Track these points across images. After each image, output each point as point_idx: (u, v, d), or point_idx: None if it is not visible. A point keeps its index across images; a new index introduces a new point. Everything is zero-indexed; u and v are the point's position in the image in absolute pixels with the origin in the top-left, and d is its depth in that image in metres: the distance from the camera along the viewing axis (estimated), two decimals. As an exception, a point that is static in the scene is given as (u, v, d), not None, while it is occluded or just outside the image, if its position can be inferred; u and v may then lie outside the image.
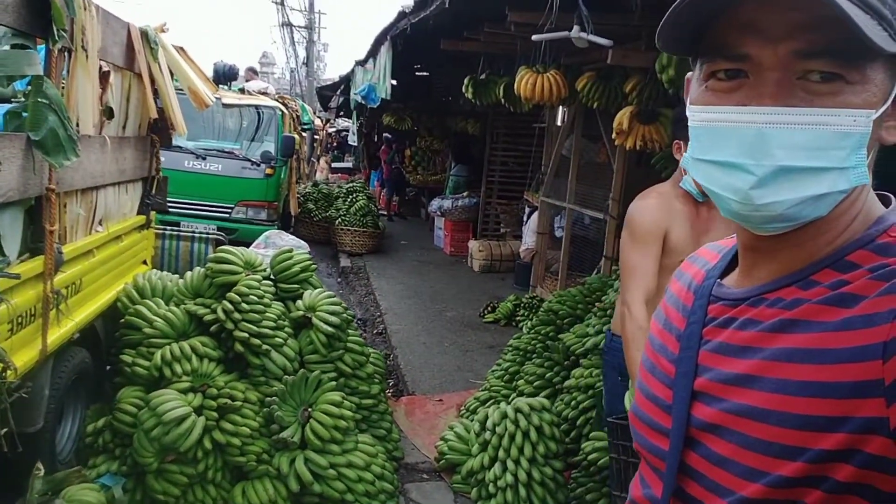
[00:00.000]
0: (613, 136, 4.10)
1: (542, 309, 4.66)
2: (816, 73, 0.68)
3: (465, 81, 6.16)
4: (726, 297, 0.82)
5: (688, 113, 0.79)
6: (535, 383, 3.91)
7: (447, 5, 3.97)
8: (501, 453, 3.17)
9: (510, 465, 3.13)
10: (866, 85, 0.69)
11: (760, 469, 0.71)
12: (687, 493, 0.81)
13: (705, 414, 0.78)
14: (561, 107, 6.36)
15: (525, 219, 8.00)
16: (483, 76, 6.09)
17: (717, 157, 0.74)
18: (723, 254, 0.91)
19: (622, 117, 3.96)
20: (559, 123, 6.76)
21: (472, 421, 3.71)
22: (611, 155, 5.45)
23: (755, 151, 0.70)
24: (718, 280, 0.87)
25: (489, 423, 3.28)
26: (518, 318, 6.21)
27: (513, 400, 3.51)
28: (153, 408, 2.97)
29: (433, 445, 3.84)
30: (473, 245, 8.77)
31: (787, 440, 0.69)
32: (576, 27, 3.52)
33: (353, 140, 13.74)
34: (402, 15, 6.11)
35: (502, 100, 5.76)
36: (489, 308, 6.56)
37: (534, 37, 3.86)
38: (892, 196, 0.79)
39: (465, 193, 10.04)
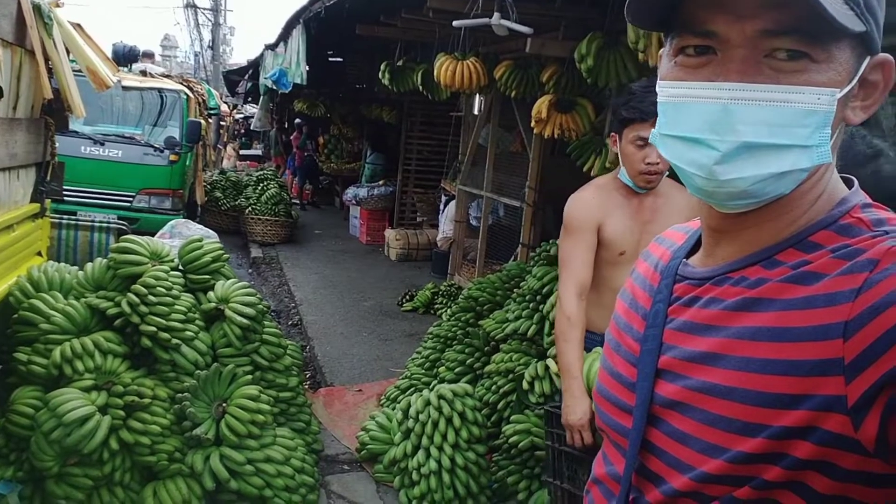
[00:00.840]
0: (532, 124, 4.14)
1: (461, 296, 4.67)
2: (783, 51, 0.69)
3: (382, 67, 6.08)
4: (691, 277, 0.83)
5: (657, 88, 0.79)
6: (457, 369, 3.92)
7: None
8: (425, 440, 3.15)
9: (434, 451, 3.12)
10: (831, 64, 0.69)
11: (721, 445, 0.72)
12: (648, 468, 0.82)
13: (668, 391, 0.79)
14: (478, 96, 6.38)
15: (442, 207, 8.00)
16: (400, 63, 6.02)
17: (682, 133, 0.74)
18: (689, 234, 0.92)
19: (541, 105, 4.00)
20: (476, 112, 6.79)
21: (393, 410, 3.67)
22: (527, 144, 5.51)
23: (719, 127, 0.71)
24: (684, 260, 0.87)
25: (412, 411, 3.26)
26: (436, 306, 6.21)
27: (434, 387, 3.50)
28: (53, 408, 2.77)
29: (354, 436, 3.78)
30: (390, 234, 8.71)
31: (749, 417, 0.70)
32: (496, 14, 3.52)
33: (256, 125, 13.34)
34: (315, -3, 5.95)
35: (420, 87, 5.71)
36: (407, 296, 6.53)
37: (455, 22, 3.84)
38: (853, 178, 0.80)
39: (381, 182, 9.94)
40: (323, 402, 4.29)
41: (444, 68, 4.45)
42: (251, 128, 14.65)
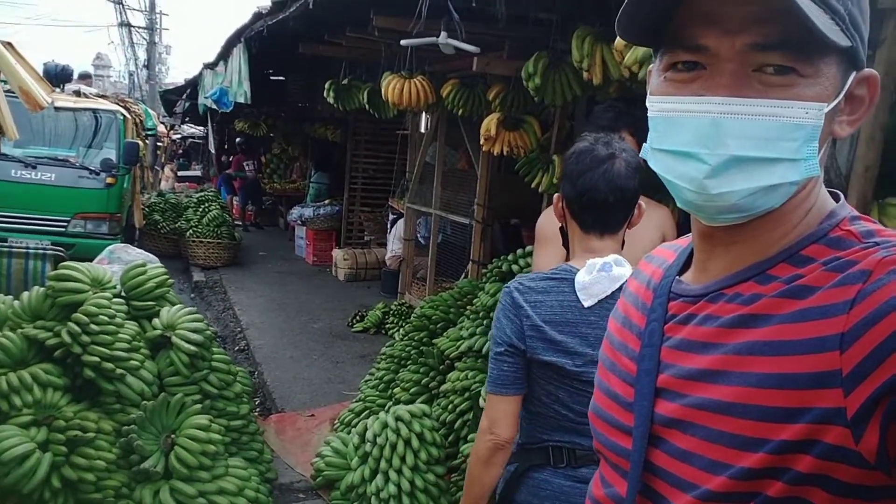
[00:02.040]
0: (481, 142, 4.18)
1: (414, 315, 4.64)
2: (771, 66, 0.70)
3: (327, 86, 6.04)
4: (686, 294, 0.83)
5: (647, 103, 0.79)
6: (412, 390, 3.88)
7: (311, 6, 3.85)
8: (383, 464, 3.10)
9: (392, 475, 3.07)
10: (819, 78, 0.70)
11: (724, 462, 0.72)
12: (652, 489, 0.81)
13: (668, 410, 0.79)
14: (424, 114, 6.40)
15: (389, 226, 7.97)
16: (345, 81, 6.00)
17: (672, 147, 0.75)
18: (679, 252, 0.91)
19: (489, 124, 4.04)
20: (422, 130, 6.81)
21: (348, 434, 3.60)
22: (475, 161, 5.55)
23: (709, 141, 0.71)
24: (677, 277, 0.87)
25: (369, 434, 3.20)
26: (388, 326, 6.16)
27: (390, 409, 3.46)
28: (-13, 448, 2.61)
29: (308, 463, 3.69)
30: (337, 254, 8.62)
31: (750, 432, 0.70)
32: (443, 34, 3.54)
33: (213, 147, 13.05)
34: (257, 16, 5.87)
35: (366, 105, 5.70)
36: (357, 317, 6.46)
37: (403, 41, 3.85)
38: (839, 192, 0.81)
39: (326, 201, 9.84)
40: (274, 429, 4.18)
41: (392, 87, 4.45)
42: (209, 149, 14.31)
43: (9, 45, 3.75)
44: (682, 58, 0.74)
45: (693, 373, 0.77)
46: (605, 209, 1.62)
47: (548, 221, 2.39)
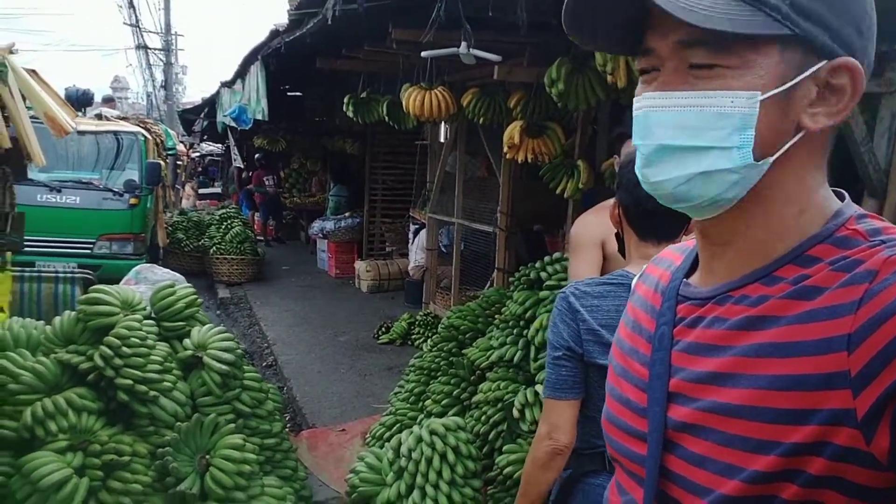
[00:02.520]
0: (505, 150, 4.15)
1: (441, 325, 4.61)
2: (698, 61, 0.73)
3: (346, 100, 6.06)
4: (693, 297, 0.83)
5: None
6: (443, 402, 3.84)
7: (329, 22, 3.85)
8: (419, 479, 3.06)
9: (429, 490, 3.03)
10: (750, 69, 0.71)
11: (738, 465, 0.72)
12: (668, 495, 0.81)
13: (681, 414, 0.79)
14: (443, 123, 6.40)
15: (411, 236, 7.96)
16: (364, 95, 6.01)
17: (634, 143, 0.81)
18: (686, 254, 0.92)
19: (513, 131, 4.02)
20: (442, 140, 6.80)
21: (381, 448, 3.57)
22: (496, 169, 5.53)
23: (642, 133, 0.77)
24: (684, 280, 0.87)
25: (404, 449, 3.17)
26: (414, 337, 6.14)
27: (422, 421, 3.42)
28: (26, 474, 2.62)
29: (343, 479, 3.65)
30: (360, 266, 8.62)
31: (761, 434, 0.70)
32: (464, 44, 3.52)
33: (238, 163, 13.18)
34: (274, 34, 5.91)
35: (386, 118, 5.70)
36: (383, 328, 6.45)
37: (423, 53, 3.84)
38: (844, 192, 0.81)
39: (347, 214, 9.87)
40: (307, 445, 4.17)
41: (413, 98, 4.45)
42: (234, 164, 14.49)
43: (33, 72, 3.79)
44: (643, 64, 0.79)
45: (703, 376, 0.77)
46: (660, 217, 1.60)
47: (582, 228, 2.41)
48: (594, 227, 2.37)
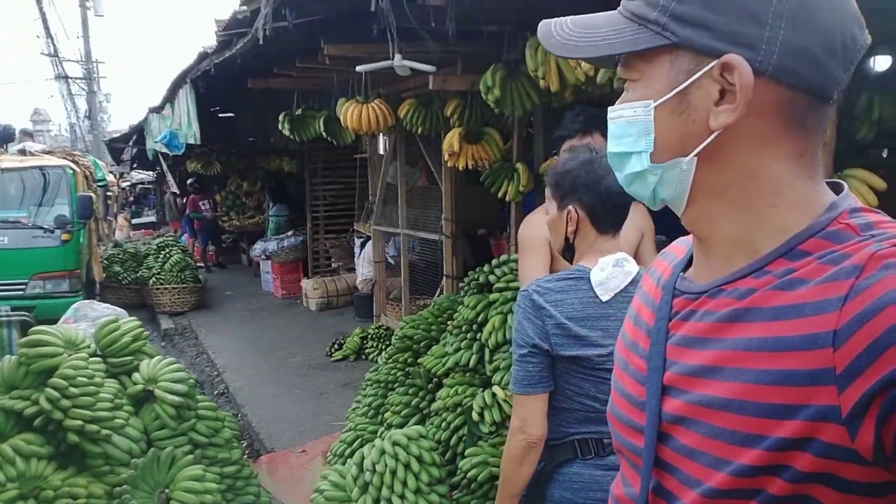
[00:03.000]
0: (445, 157, 4.20)
1: (395, 336, 4.61)
2: (622, 77, 0.84)
3: (281, 118, 6.01)
4: (688, 291, 0.85)
5: None
6: (403, 412, 3.85)
7: (261, 41, 3.83)
8: (385, 491, 3.05)
9: (395, 500, 3.03)
10: (645, 80, 0.79)
11: (725, 458, 0.73)
12: (664, 487, 0.83)
13: (673, 407, 0.80)
14: (381, 135, 6.42)
15: (358, 250, 7.93)
16: (299, 112, 5.98)
17: None
18: (688, 248, 0.93)
19: (452, 139, 4.07)
20: (381, 152, 6.82)
21: (343, 465, 3.55)
22: (437, 177, 5.57)
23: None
24: (682, 274, 0.89)
25: (367, 463, 3.16)
26: (367, 351, 6.11)
27: (383, 434, 3.42)
28: (-25, 529, 2.50)
29: (306, 500, 3.61)
30: (307, 284, 8.53)
31: (748, 428, 0.71)
32: (398, 56, 3.56)
33: (174, 188, 12.86)
34: (203, 56, 5.82)
35: (323, 133, 5.68)
36: (336, 345, 6.40)
37: (358, 67, 3.86)
38: (843, 183, 0.81)
39: (289, 233, 9.76)
40: (266, 469, 4.11)
41: (350, 113, 4.46)
42: (170, 190, 14.09)
43: (-49, 110, 3.64)
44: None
45: (694, 369, 0.78)
46: (622, 209, 1.74)
47: (531, 228, 2.45)
48: (541, 226, 2.42)
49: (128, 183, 24.08)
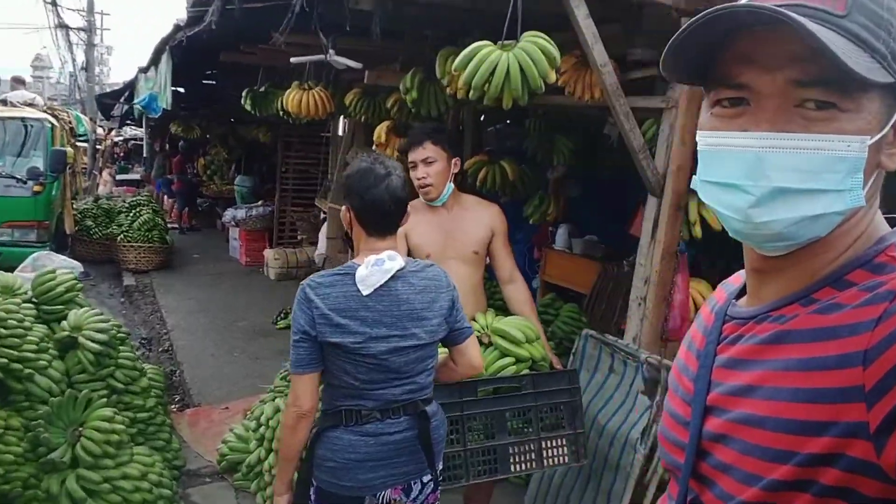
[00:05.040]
0: (374, 147, 4.50)
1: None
2: (812, 101, 0.73)
3: (244, 93, 6.27)
4: (738, 317, 0.87)
5: (697, 138, 0.85)
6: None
7: (213, 27, 4.11)
8: (275, 443, 3.40)
9: (285, 454, 3.38)
10: (860, 113, 0.73)
11: (758, 474, 0.75)
12: (702, 501, 0.87)
13: (714, 425, 0.83)
14: (341, 118, 6.69)
15: (322, 225, 8.23)
16: (262, 88, 6.23)
17: (719, 179, 0.80)
18: (743, 277, 0.93)
19: (380, 131, 4.37)
20: (341, 133, 7.10)
21: (251, 421, 3.89)
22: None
23: (753, 173, 0.76)
24: (734, 301, 0.92)
25: (263, 418, 3.51)
26: (310, 322, 6.42)
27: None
28: None
29: (216, 450, 3.97)
30: (269, 253, 8.84)
31: (781, 444, 0.73)
32: (331, 51, 3.84)
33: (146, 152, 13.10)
34: (177, 28, 6.06)
35: (281, 112, 5.95)
36: (282, 314, 6.71)
37: (292, 59, 4.13)
38: None
39: (259, 202, 10.03)
40: (188, 421, 4.44)
41: (291, 98, 4.74)
42: (155, 150, 14.29)
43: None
44: (727, 95, 0.79)
45: (735, 389, 0.81)
46: (388, 216, 2.02)
47: None
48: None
49: (121, 138, 24.19)
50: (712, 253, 4.36)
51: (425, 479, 2.10)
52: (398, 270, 1.97)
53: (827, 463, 0.70)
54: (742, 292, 0.91)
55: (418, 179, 2.74)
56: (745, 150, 0.76)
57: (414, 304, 1.99)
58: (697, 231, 3.12)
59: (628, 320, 3.19)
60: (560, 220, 5.19)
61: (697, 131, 0.84)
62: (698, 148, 0.83)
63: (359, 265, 1.97)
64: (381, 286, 1.94)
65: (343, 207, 2.07)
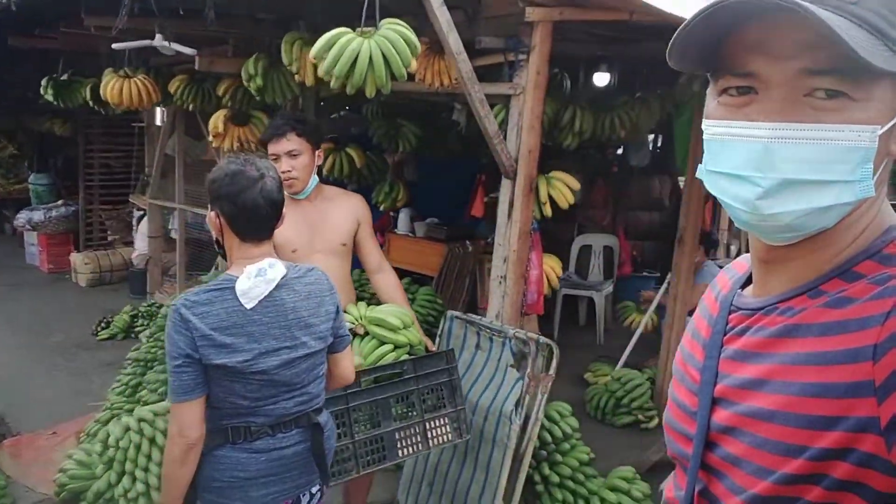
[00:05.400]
0: (209, 138, 4.23)
1: (160, 314, 4.59)
2: (822, 90, 0.72)
3: (44, 83, 5.59)
4: (744, 307, 0.87)
5: (703, 126, 0.82)
6: (159, 390, 3.88)
7: (13, 7, 3.59)
8: (128, 465, 3.11)
9: (139, 474, 3.10)
10: (871, 102, 0.71)
11: (769, 467, 0.76)
12: (710, 491, 0.87)
13: (723, 417, 0.83)
14: (159, 107, 6.19)
15: (136, 223, 7.58)
16: (65, 77, 5.59)
17: (727, 169, 0.78)
18: (749, 264, 0.92)
19: (216, 121, 4.12)
20: (159, 123, 6.57)
21: (93, 444, 3.52)
22: (216, 154, 5.53)
23: (762, 164, 0.74)
24: (739, 291, 0.91)
25: (111, 440, 3.19)
26: (137, 329, 5.93)
27: (135, 411, 3.45)
28: None
29: (52, 480, 3.54)
30: (76, 258, 7.96)
31: (792, 439, 0.73)
32: (158, 35, 3.54)
33: None
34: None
35: (90, 102, 5.38)
36: (103, 324, 6.11)
37: (114, 45, 3.76)
38: None
39: (59, 202, 8.99)
40: (9, 453, 3.91)
41: (110, 87, 4.30)
42: None
43: None
44: (734, 83, 0.77)
45: (744, 382, 0.81)
46: (263, 220, 1.88)
47: None
48: None
49: None
50: (555, 229, 4.67)
51: (314, 489, 2.04)
52: (281, 278, 1.87)
53: (838, 457, 0.70)
54: (747, 281, 0.90)
55: (283, 173, 2.61)
56: (754, 141, 0.74)
57: (300, 312, 1.90)
58: (548, 210, 3.33)
59: (490, 298, 3.33)
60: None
61: (704, 120, 0.82)
62: (704, 137, 0.82)
63: (236, 277, 1.83)
64: (264, 297, 1.82)
65: (211, 213, 1.89)
